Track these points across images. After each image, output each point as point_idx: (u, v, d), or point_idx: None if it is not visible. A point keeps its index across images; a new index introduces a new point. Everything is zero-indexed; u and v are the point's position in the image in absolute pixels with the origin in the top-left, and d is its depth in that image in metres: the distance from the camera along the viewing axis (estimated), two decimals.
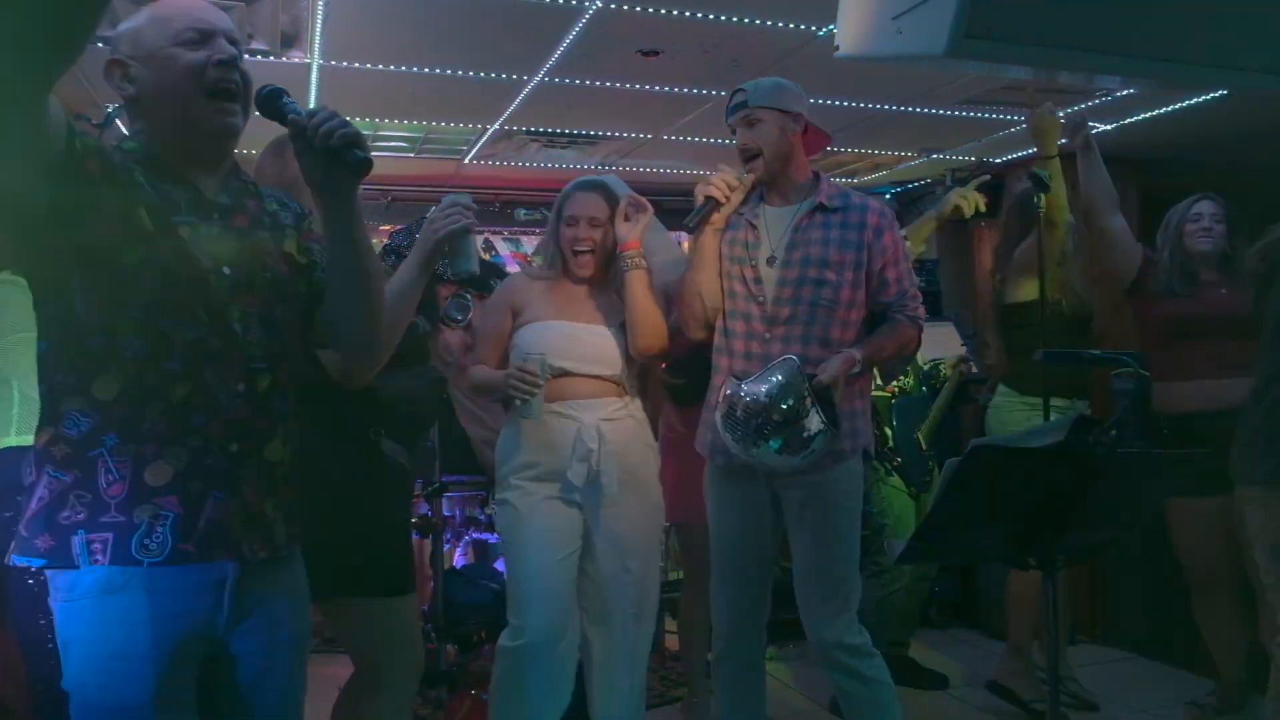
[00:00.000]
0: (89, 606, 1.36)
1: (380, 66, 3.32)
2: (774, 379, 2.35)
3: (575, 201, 2.62)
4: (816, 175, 2.59)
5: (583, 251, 2.60)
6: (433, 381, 2.33)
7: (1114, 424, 1.99)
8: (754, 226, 2.53)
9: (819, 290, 2.44)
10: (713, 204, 2.44)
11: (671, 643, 4.07)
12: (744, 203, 2.56)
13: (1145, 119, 4.08)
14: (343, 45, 3.15)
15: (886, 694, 2.47)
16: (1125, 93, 3.65)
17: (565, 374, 2.53)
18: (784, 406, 2.32)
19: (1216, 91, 3.51)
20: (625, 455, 2.58)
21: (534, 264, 2.74)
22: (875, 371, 3.32)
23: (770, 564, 2.60)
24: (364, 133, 4.22)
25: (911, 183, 5.41)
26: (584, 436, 2.52)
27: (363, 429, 2.12)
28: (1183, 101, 3.81)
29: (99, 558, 1.36)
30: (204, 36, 1.46)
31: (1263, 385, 2.46)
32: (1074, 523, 1.86)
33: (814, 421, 2.32)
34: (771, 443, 2.33)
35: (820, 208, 2.50)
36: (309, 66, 3.29)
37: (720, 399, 2.43)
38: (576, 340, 2.56)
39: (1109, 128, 4.20)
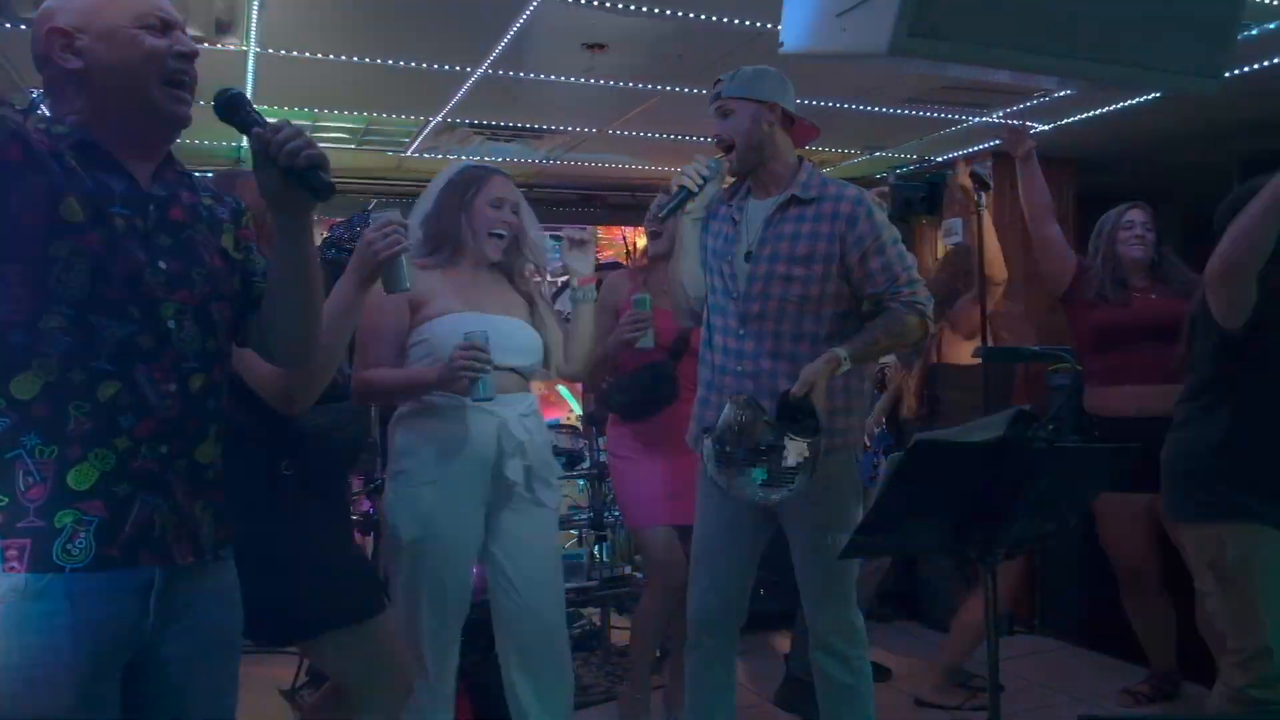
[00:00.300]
0: (5, 614, 1.31)
1: (320, 56, 3.25)
2: (729, 417, 2.28)
3: (499, 184, 2.51)
4: (800, 166, 2.49)
5: (501, 236, 2.49)
6: (355, 415, 2.19)
7: (1051, 419, 2.03)
8: (735, 221, 2.49)
9: (788, 287, 2.38)
10: (685, 194, 2.40)
11: (619, 637, 4.07)
12: (732, 195, 2.52)
13: (1082, 120, 4.16)
14: (281, 33, 3.08)
15: (867, 685, 2.48)
16: (1063, 94, 3.72)
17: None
18: (742, 447, 2.26)
19: (1150, 93, 3.60)
20: (541, 453, 2.50)
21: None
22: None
23: (750, 560, 2.54)
24: (302, 123, 4.15)
25: (855, 179, 5.47)
26: (512, 430, 2.40)
27: (273, 463, 1.99)
28: (1118, 103, 3.89)
29: (15, 565, 1.31)
30: (166, 26, 1.44)
31: (1182, 421, 2.50)
32: (1013, 516, 1.89)
33: (793, 450, 2.24)
34: (755, 473, 2.25)
35: (794, 200, 2.43)
36: (245, 55, 3.22)
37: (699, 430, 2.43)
38: (497, 331, 2.38)
39: (1047, 128, 4.29)
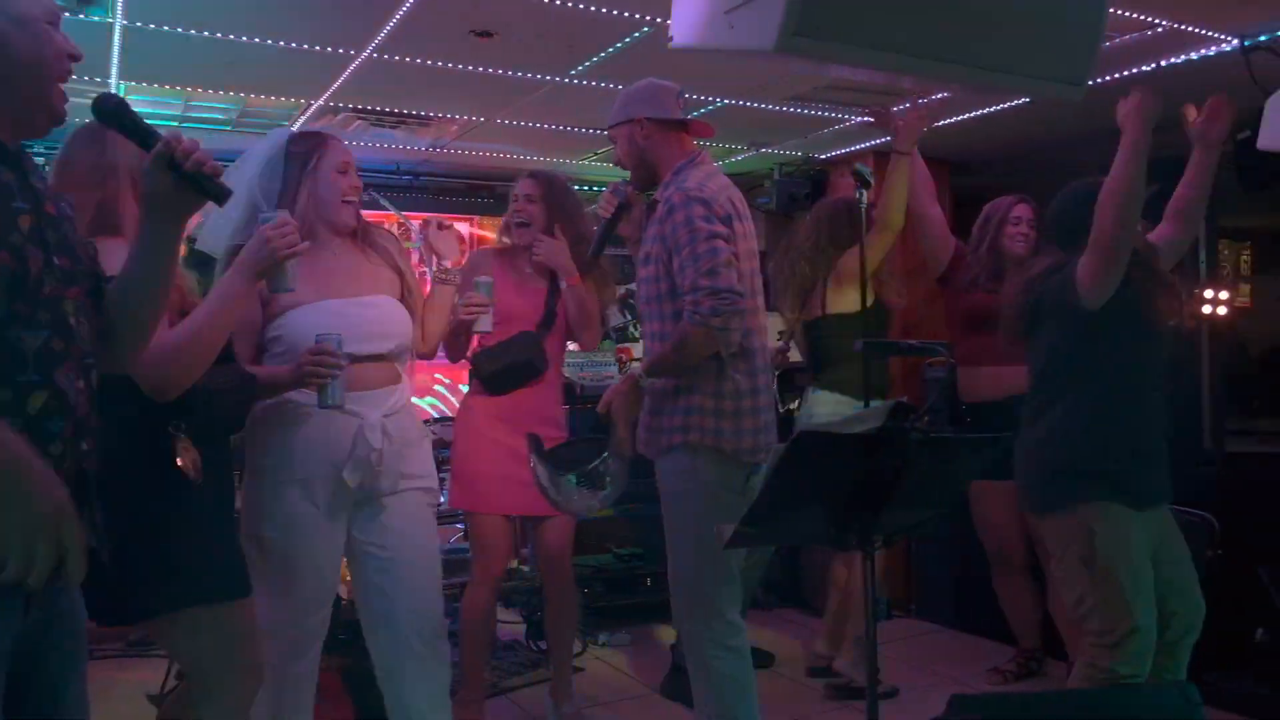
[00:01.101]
0: None
1: (193, 32, 3.11)
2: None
3: (340, 148, 2.41)
4: (678, 170, 2.52)
5: (352, 201, 2.40)
6: (240, 378, 2.10)
7: (926, 410, 2.11)
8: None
9: (644, 287, 2.53)
10: (607, 223, 2.58)
11: (503, 631, 4.05)
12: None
13: (957, 122, 4.32)
14: (150, 6, 2.93)
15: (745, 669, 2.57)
16: (939, 96, 3.86)
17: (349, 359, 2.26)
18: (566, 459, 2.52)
19: (1019, 99, 3.77)
20: (405, 453, 2.42)
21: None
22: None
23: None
24: (173, 102, 3.95)
25: (741, 175, 5.55)
26: (369, 437, 2.31)
27: (157, 427, 1.93)
28: (990, 107, 4.06)
29: None
30: (56, 24, 1.43)
31: (1031, 416, 2.62)
32: (891, 504, 1.96)
33: (607, 465, 2.43)
34: (571, 478, 2.45)
35: (655, 203, 2.52)
36: (111, 27, 3.05)
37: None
38: (354, 319, 2.28)
39: (923, 129, 4.43)
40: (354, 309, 2.33)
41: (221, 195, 1.49)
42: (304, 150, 2.38)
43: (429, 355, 2.72)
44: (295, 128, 4.30)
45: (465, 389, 3.38)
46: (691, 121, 2.63)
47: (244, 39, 3.18)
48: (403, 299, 2.47)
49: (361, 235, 2.48)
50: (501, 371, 3.02)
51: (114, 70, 3.41)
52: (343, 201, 2.38)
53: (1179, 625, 2.54)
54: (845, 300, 3.50)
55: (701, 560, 2.49)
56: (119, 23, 3.01)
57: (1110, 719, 2.08)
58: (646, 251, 2.51)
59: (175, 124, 4.10)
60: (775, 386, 2.90)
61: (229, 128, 4.29)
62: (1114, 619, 2.41)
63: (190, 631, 2.00)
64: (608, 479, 2.44)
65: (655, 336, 2.52)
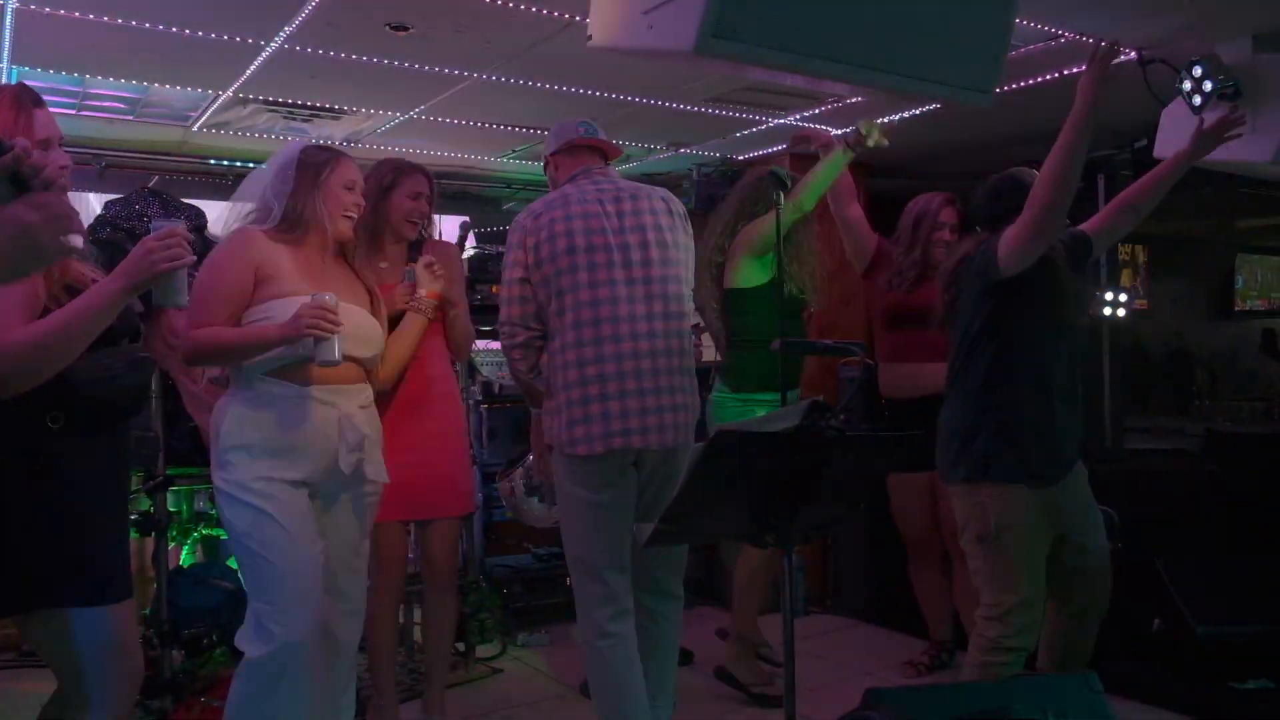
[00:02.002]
0: None
1: (91, 17, 2.97)
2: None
3: (350, 167, 2.50)
4: None
5: (351, 217, 2.48)
6: (130, 361, 1.99)
7: (842, 409, 2.14)
8: None
9: None
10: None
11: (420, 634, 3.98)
12: None
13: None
14: None
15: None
16: (854, 100, 3.93)
17: None
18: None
19: (930, 104, 3.86)
20: (374, 449, 2.48)
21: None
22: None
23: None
24: (72, 89, 3.79)
25: (660, 175, 5.56)
26: (354, 423, 2.38)
27: (36, 415, 1.84)
28: (903, 112, 4.14)
29: None
30: None
31: (951, 391, 2.71)
32: (808, 501, 1.98)
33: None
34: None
35: None
36: (2, 9, 2.91)
37: None
38: (347, 319, 2.32)
39: (839, 132, 4.49)
40: (344, 310, 2.34)
41: None
42: (318, 161, 2.46)
43: (385, 385, 2.74)
44: (203, 118, 4.17)
45: None
46: (591, 142, 2.78)
47: (145, 25, 3.06)
48: (372, 313, 2.56)
49: (349, 253, 2.56)
50: None
51: (4, 54, 3.25)
52: (344, 215, 2.45)
53: (1082, 601, 2.66)
54: (740, 274, 3.44)
55: (570, 552, 2.67)
56: (10, 4, 2.87)
57: (1017, 708, 2.15)
58: None
59: (72, 110, 3.93)
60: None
61: (132, 116, 4.13)
62: (1003, 591, 2.53)
63: (58, 635, 1.92)
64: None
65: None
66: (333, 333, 2.21)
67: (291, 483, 2.32)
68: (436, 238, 3.23)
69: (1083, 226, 2.77)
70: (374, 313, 2.55)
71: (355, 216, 2.49)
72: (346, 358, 2.33)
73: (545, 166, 2.87)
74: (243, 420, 2.32)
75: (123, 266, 1.87)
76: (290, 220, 2.42)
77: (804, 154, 4.67)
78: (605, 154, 2.81)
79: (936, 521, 3.64)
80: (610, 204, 2.64)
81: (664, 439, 2.58)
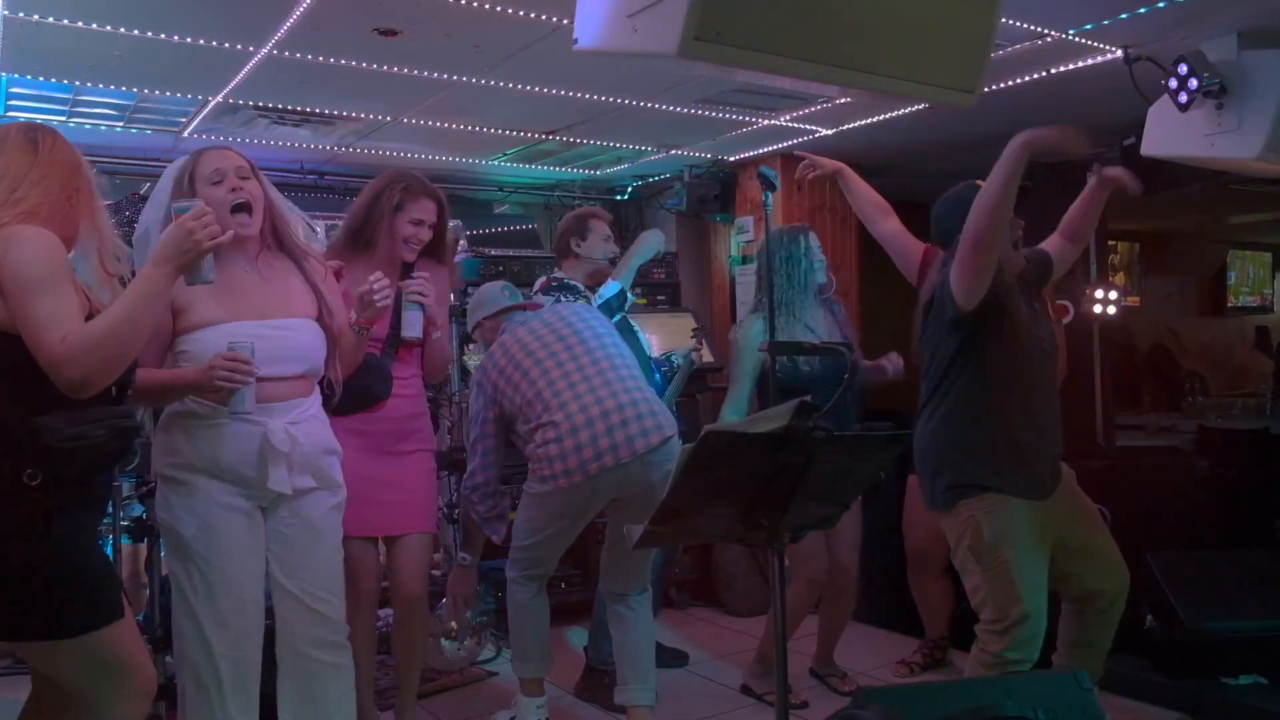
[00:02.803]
0: None
1: (80, 24, 2.98)
2: None
3: (212, 157, 2.35)
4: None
5: (244, 205, 2.32)
6: (116, 431, 1.92)
7: (831, 408, 2.15)
8: None
9: None
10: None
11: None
12: None
13: (862, 126, 4.42)
14: None
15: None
16: (842, 101, 3.94)
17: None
18: None
19: (916, 105, 3.87)
20: (315, 459, 2.39)
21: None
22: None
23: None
24: (63, 96, 3.78)
25: (652, 176, 5.58)
26: (273, 440, 2.28)
27: (13, 472, 1.82)
28: (891, 112, 4.16)
29: None
30: None
31: (925, 417, 2.71)
32: (797, 501, 1.99)
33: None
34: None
35: None
36: None
37: None
38: (267, 342, 2.26)
39: (829, 132, 4.52)
40: (267, 332, 2.29)
41: None
42: (180, 174, 2.36)
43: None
44: (194, 124, 4.17)
45: None
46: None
47: (135, 32, 3.07)
48: (319, 318, 2.44)
49: (279, 244, 2.44)
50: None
51: None
52: (231, 211, 2.30)
53: (1106, 598, 2.66)
54: None
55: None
56: (0, 12, 2.88)
57: (1007, 705, 2.16)
58: None
59: (63, 117, 3.93)
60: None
61: (122, 123, 4.13)
62: (1005, 606, 2.50)
63: (51, 661, 1.95)
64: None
65: None
66: (244, 384, 2.17)
67: (225, 497, 2.29)
68: (456, 258, 3.26)
69: (1044, 246, 2.80)
70: (321, 313, 2.43)
71: (246, 201, 2.32)
72: (275, 378, 2.29)
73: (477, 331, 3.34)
74: (175, 438, 2.31)
75: (163, 251, 1.90)
76: None
77: (793, 155, 4.70)
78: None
79: (942, 533, 3.63)
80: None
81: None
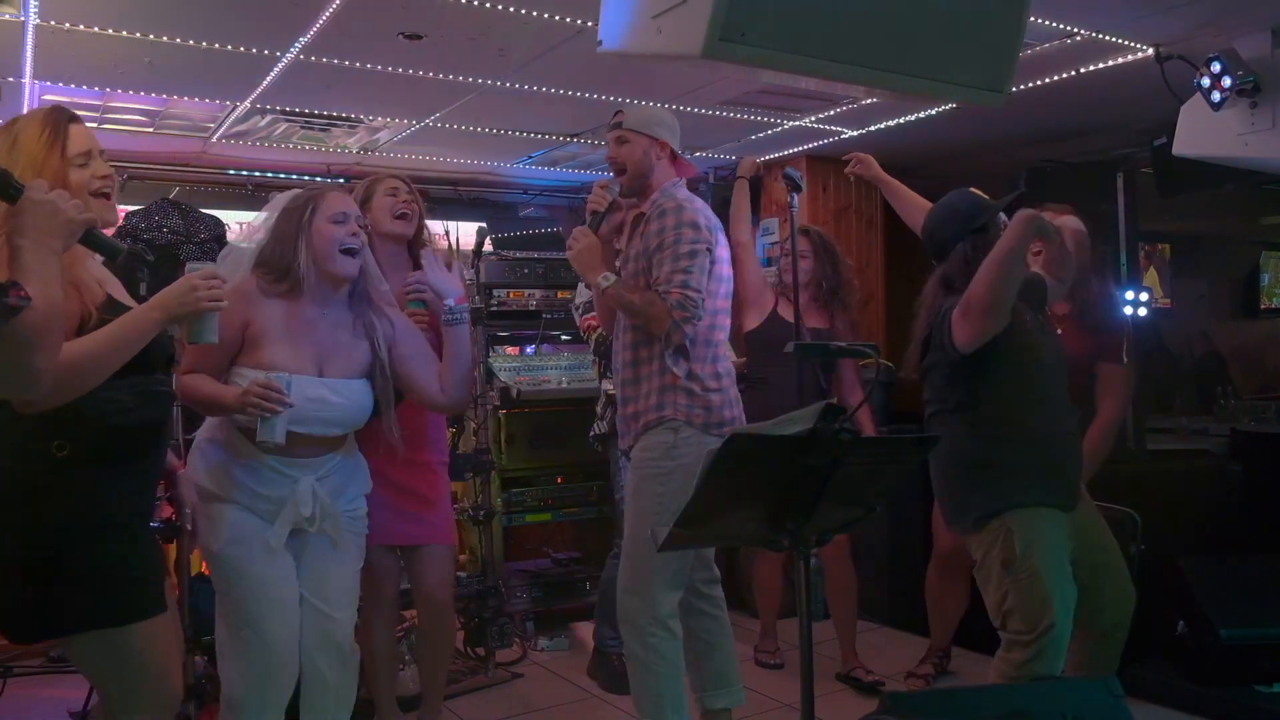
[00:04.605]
0: None
1: (110, 31, 3.02)
2: None
3: (338, 199, 2.43)
4: (662, 190, 2.75)
5: (353, 251, 2.40)
6: (148, 395, 1.94)
7: (857, 411, 2.13)
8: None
9: None
10: (595, 215, 2.74)
11: None
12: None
13: (889, 127, 4.39)
14: (64, 3, 2.84)
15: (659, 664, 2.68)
16: (869, 101, 3.92)
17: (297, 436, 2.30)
18: None
19: (944, 105, 3.84)
20: (336, 510, 2.42)
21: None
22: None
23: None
24: (94, 102, 3.82)
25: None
26: (299, 506, 2.33)
27: (42, 443, 1.83)
28: (918, 112, 4.13)
29: None
30: None
31: (932, 434, 2.67)
32: (822, 504, 1.97)
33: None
34: None
35: (640, 216, 2.73)
36: (22, 25, 2.95)
37: None
38: (325, 404, 2.33)
39: (855, 134, 4.50)
40: (330, 393, 2.35)
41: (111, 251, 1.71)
42: (298, 205, 2.41)
43: (454, 405, 2.68)
44: (221, 130, 4.21)
45: None
46: (687, 163, 2.90)
47: (164, 39, 3.10)
48: (372, 376, 2.46)
49: (358, 293, 2.47)
50: None
51: (27, 69, 3.30)
52: (340, 251, 2.37)
53: (1110, 617, 2.61)
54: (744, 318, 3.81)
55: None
56: (31, 20, 2.92)
57: (1038, 712, 2.14)
58: (629, 254, 2.74)
59: (94, 124, 3.98)
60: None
61: (151, 129, 4.18)
62: (1035, 617, 2.45)
63: (82, 654, 1.94)
64: None
65: (627, 333, 2.74)
66: (275, 413, 2.20)
67: (258, 518, 2.34)
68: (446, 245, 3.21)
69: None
70: (375, 371, 2.45)
71: (354, 250, 2.39)
72: (303, 438, 2.32)
73: (644, 138, 2.76)
74: (211, 463, 2.36)
75: (162, 298, 1.90)
76: (275, 269, 2.37)
77: (820, 156, 4.68)
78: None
79: None
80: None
81: None
